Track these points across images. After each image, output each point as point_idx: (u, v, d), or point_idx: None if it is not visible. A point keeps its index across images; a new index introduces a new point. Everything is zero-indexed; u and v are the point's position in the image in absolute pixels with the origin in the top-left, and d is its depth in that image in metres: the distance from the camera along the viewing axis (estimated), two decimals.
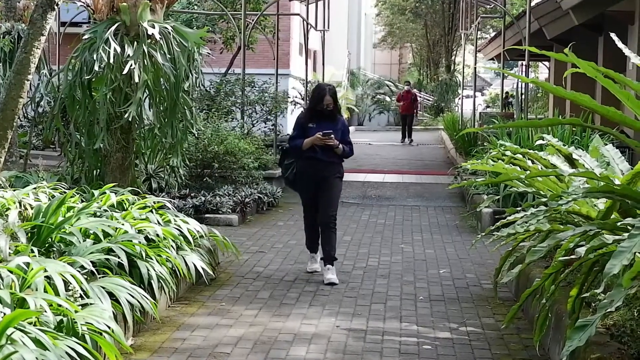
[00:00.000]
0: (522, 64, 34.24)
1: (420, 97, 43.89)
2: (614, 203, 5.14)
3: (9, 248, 5.84)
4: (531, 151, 6.93)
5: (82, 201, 7.83)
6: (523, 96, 24.08)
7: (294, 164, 9.25)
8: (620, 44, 5.35)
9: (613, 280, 4.06)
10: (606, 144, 7.25)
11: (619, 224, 4.78)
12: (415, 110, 33.84)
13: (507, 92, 38.63)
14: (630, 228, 4.38)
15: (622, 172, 6.26)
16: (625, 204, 5.02)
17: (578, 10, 15.83)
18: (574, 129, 12.56)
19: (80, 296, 5.50)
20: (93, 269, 6.06)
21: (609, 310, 3.85)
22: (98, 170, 9.93)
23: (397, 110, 37.66)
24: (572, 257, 5.17)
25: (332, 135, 8.90)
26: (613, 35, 5.50)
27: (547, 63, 34.02)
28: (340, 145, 9.05)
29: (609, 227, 4.84)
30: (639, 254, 4.27)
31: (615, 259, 3.74)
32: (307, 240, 9.54)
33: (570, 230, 5.01)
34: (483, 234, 7.62)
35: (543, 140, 7.40)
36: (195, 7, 22.45)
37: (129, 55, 9.14)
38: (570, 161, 6.60)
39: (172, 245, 7.66)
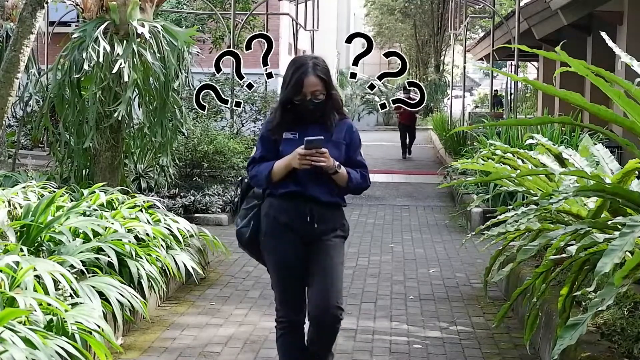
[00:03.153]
0: (511, 64, 34.36)
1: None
2: (604, 202, 5.15)
3: None
4: (521, 150, 6.93)
5: (72, 200, 7.81)
6: (512, 96, 24.15)
7: (257, 208, 5.15)
8: (610, 43, 5.36)
9: (604, 279, 4.06)
10: (596, 144, 7.26)
11: (609, 222, 4.78)
12: (415, 119, 27.43)
13: (496, 91, 38.56)
14: (620, 227, 4.38)
15: (612, 172, 6.26)
16: (615, 202, 5.03)
17: (567, 11, 15.85)
18: (563, 128, 12.57)
19: (70, 295, 5.49)
20: (83, 268, 6.04)
21: (599, 309, 3.85)
22: (87, 169, 9.92)
23: (396, 116, 30.86)
24: (563, 256, 5.17)
25: (325, 149, 4.87)
26: (603, 34, 5.51)
27: (535, 63, 34.07)
28: (343, 169, 4.98)
29: (600, 226, 4.84)
30: (630, 254, 4.28)
31: (607, 258, 3.74)
32: None
33: (561, 229, 5.01)
34: (473, 233, 7.62)
35: (533, 139, 7.41)
36: (185, 6, 22.44)
37: (118, 54, 9.13)
38: (560, 160, 6.60)
39: (162, 245, 7.64)
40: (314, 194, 4.94)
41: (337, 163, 4.89)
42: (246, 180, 5.19)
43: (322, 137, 4.81)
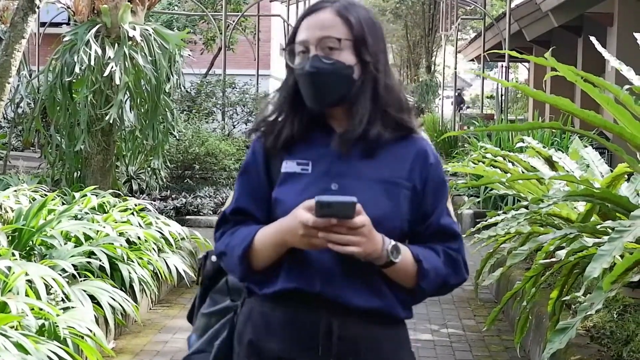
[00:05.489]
0: (502, 65, 34.45)
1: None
2: (593, 206, 5.18)
3: None
4: (511, 153, 6.96)
5: (63, 204, 7.81)
6: (503, 97, 24.19)
7: (232, 314, 2.60)
8: (599, 48, 5.39)
9: (593, 283, 4.09)
10: (586, 146, 7.29)
11: (598, 226, 4.82)
12: None
13: (459, 90, 38.14)
14: (610, 231, 4.41)
15: (602, 174, 6.29)
16: (604, 206, 5.06)
17: (558, 12, 15.89)
18: (554, 130, 12.61)
19: (62, 299, 5.49)
20: (74, 272, 6.05)
21: (588, 313, 3.88)
22: (79, 172, 9.92)
23: None
24: (553, 259, 5.20)
25: (360, 220, 2.26)
26: (593, 39, 5.54)
27: (526, 64, 34.15)
28: (406, 252, 2.39)
29: (589, 230, 4.87)
30: (619, 258, 4.31)
31: (596, 262, 3.76)
32: None
33: (551, 233, 5.04)
34: (464, 235, 7.64)
35: (523, 142, 7.44)
36: (176, 7, 22.43)
37: (109, 57, 9.14)
38: (551, 163, 6.63)
39: (153, 248, 7.64)
40: (340, 294, 2.39)
41: (391, 244, 2.34)
42: (213, 259, 2.71)
43: (354, 200, 2.25)
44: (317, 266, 2.39)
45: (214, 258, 2.68)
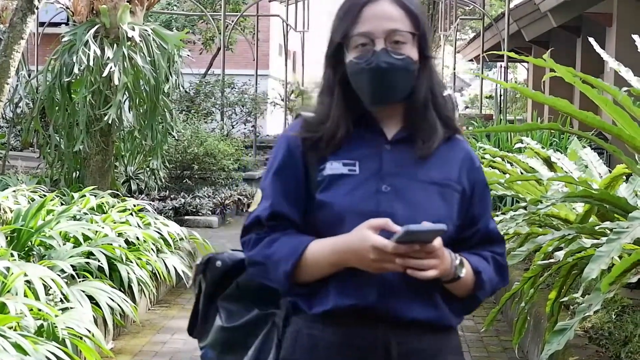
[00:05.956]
0: (501, 65, 34.45)
1: None
2: (592, 207, 5.18)
3: None
4: (510, 154, 6.96)
5: (62, 204, 7.81)
6: (502, 97, 24.19)
7: (270, 326, 2.40)
8: (598, 49, 5.40)
9: (591, 284, 4.09)
10: (585, 147, 7.30)
11: (596, 228, 4.83)
12: None
13: (448, 94, 38.12)
14: (608, 232, 4.42)
15: (600, 175, 6.30)
16: (603, 207, 5.06)
17: (556, 12, 15.90)
18: (552, 130, 12.61)
19: (61, 300, 5.49)
20: (73, 273, 6.05)
21: (586, 314, 3.88)
22: (77, 172, 9.92)
23: None
24: (551, 260, 5.20)
25: (436, 244, 2.17)
26: (591, 40, 5.55)
27: (525, 64, 34.14)
28: (468, 266, 2.30)
29: (587, 232, 4.88)
30: (617, 259, 4.32)
31: (594, 264, 3.77)
32: None
33: (549, 234, 5.05)
34: None
35: (522, 142, 7.44)
36: (175, 7, 22.43)
37: (108, 57, 9.14)
38: (549, 164, 6.64)
39: (152, 248, 7.64)
40: (397, 307, 2.27)
41: (457, 259, 2.28)
42: (218, 264, 2.48)
43: (444, 227, 2.15)
44: (376, 280, 2.23)
45: (218, 263, 2.47)
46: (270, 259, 2.26)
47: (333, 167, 2.30)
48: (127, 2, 9.51)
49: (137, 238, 7.46)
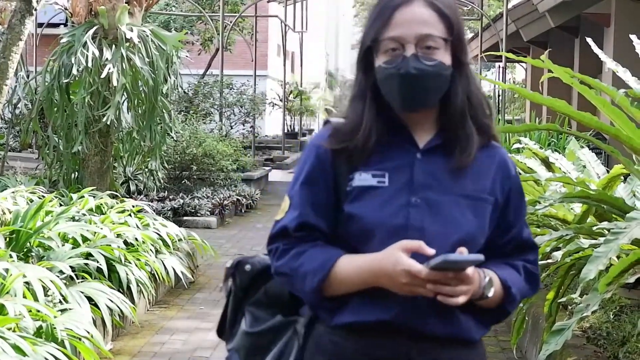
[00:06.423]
0: (499, 65, 34.46)
1: None
2: (589, 207, 5.19)
3: None
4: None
5: (61, 205, 7.82)
6: (500, 97, 24.21)
7: (291, 332, 2.36)
8: (596, 49, 5.41)
9: (589, 284, 4.10)
10: (582, 147, 7.31)
11: (594, 228, 4.84)
12: None
13: None
14: (606, 232, 4.43)
15: (598, 176, 6.31)
16: (600, 208, 5.08)
17: (554, 13, 15.91)
18: (550, 131, 12.63)
19: (60, 301, 5.50)
20: (72, 274, 6.05)
21: (584, 314, 3.90)
22: (76, 173, 9.92)
23: None
24: (549, 261, 5.22)
25: (470, 272, 2.14)
26: (589, 41, 5.56)
27: (524, 64, 34.16)
28: (496, 282, 2.25)
29: (585, 232, 4.89)
30: (615, 259, 4.33)
31: (592, 264, 3.78)
32: None
33: (547, 235, 5.05)
34: None
35: (520, 143, 7.45)
36: (173, 8, 22.44)
37: (107, 58, 9.15)
38: (547, 164, 6.65)
39: (151, 249, 7.65)
40: (415, 322, 2.25)
41: (486, 279, 2.22)
42: (247, 268, 2.47)
43: (482, 258, 2.14)
44: (396, 297, 2.19)
45: (247, 267, 2.44)
46: (298, 272, 2.25)
47: (362, 179, 2.25)
48: (126, 3, 9.51)
49: (136, 239, 7.47)
